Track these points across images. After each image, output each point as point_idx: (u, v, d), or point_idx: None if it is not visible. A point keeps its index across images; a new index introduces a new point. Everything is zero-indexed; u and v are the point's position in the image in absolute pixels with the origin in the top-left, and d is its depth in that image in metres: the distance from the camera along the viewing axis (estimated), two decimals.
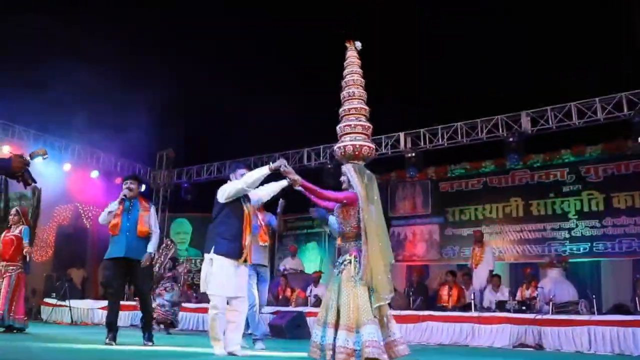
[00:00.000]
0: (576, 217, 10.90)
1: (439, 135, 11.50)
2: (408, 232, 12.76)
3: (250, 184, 4.54)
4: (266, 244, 5.97)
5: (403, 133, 11.87)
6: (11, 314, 6.92)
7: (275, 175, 4.60)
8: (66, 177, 12.71)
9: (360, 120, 4.91)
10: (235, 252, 4.54)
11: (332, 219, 4.49)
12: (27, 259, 7.21)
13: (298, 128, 12.57)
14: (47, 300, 11.34)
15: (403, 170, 12.14)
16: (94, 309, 10.84)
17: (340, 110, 5.08)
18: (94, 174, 13.31)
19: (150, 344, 5.54)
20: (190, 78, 13.29)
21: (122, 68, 12.33)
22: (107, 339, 5.44)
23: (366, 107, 5.03)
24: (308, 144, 12.73)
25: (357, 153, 4.71)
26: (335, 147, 4.92)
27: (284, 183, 4.64)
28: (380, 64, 12.89)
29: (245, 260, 4.60)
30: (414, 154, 11.52)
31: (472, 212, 12.11)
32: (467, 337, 7.95)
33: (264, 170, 4.51)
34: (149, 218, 5.73)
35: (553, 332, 7.40)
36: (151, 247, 5.67)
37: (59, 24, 10.94)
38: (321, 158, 12.63)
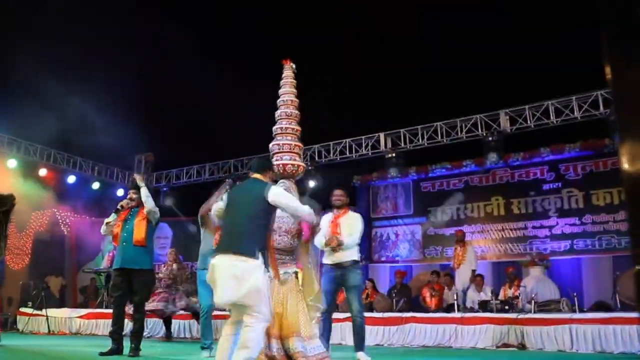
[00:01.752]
0: (556, 214, 10.97)
1: (419, 135, 11.52)
2: (390, 233, 12.74)
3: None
4: None
5: (383, 133, 11.87)
6: None
7: None
8: (42, 182, 12.42)
9: (287, 139, 5.25)
10: None
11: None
12: None
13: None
14: (23, 309, 11.05)
15: (384, 171, 12.13)
16: (72, 317, 10.56)
17: (273, 128, 5.38)
18: (71, 178, 13.05)
19: (134, 355, 5.40)
20: (168, 80, 13.13)
21: (97, 70, 12.15)
22: (105, 350, 5.36)
23: (295, 127, 5.35)
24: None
25: (282, 171, 5.06)
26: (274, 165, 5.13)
27: None
28: (360, 65, 12.92)
29: None
30: (394, 155, 11.52)
31: (453, 211, 12.12)
32: (451, 338, 7.90)
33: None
34: (145, 224, 5.63)
35: (535, 331, 7.38)
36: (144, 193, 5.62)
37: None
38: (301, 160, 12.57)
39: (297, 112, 5.37)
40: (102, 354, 5.30)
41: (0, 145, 11.82)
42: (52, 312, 10.59)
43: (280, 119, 5.31)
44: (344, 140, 12.29)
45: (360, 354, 5.32)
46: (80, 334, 10.19)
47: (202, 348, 5.92)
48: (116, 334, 5.48)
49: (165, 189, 14.32)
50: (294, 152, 5.16)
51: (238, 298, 3.37)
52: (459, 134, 11.16)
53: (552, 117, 10.34)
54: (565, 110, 10.23)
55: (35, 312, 10.62)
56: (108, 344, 5.50)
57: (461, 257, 9.90)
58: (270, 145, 5.23)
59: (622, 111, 1.41)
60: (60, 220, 13.62)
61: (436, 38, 12.55)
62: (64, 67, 11.62)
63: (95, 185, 13.69)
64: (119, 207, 5.62)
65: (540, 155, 11.20)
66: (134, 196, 5.71)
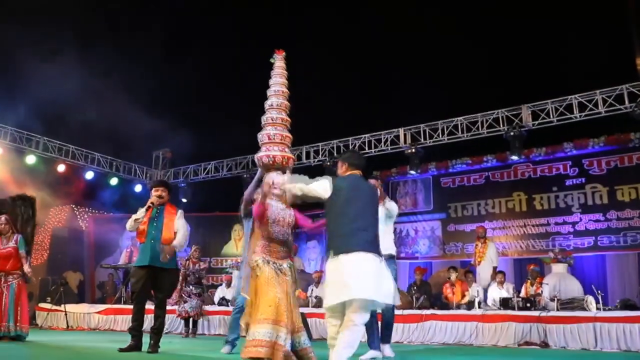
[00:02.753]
0: (580, 210, 10.77)
1: (439, 130, 11.39)
2: (410, 229, 12.60)
3: None
4: None
5: (403, 129, 11.78)
6: (17, 324, 6.73)
7: None
8: (60, 178, 12.51)
9: (277, 130, 5.09)
10: None
11: None
12: (27, 270, 6.98)
13: (296, 126, 12.40)
14: (41, 305, 11.13)
15: (404, 166, 12.02)
16: (91, 313, 10.63)
17: (262, 117, 5.23)
18: (89, 174, 13.12)
19: (151, 351, 5.34)
20: (187, 77, 13.13)
21: (116, 66, 12.18)
22: (124, 347, 5.32)
23: (285, 117, 5.19)
24: (307, 141, 12.58)
25: (271, 162, 4.89)
26: (255, 156, 5.01)
27: None
28: (379, 59, 12.80)
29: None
30: (414, 150, 11.40)
31: (474, 207, 11.95)
32: (471, 336, 7.79)
33: None
34: (175, 224, 5.61)
35: (558, 329, 7.25)
36: (175, 241, 5.56)
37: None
38: (320, 155, 12.52)
39: (287, 102, 5.20)
40: (121, 350, 5.27)
41: (19, 141, 11.92)
42: (71, 307, 10.68)
43: (271, 108, 5.18)
44: (363, 136, 12.20)
45: (386, 348, 5.21)
46: (98, 330, 10.26)
47: (226, 342, 5.83)
48: (136, 330, 5.42)
49: (182, 184, 14.32)
50: (284, 143, 5.02)
51: (378, 297, 3.65)
52: (480, 129, 11.02)
53: (575, 112, 10.19)
54: (589, 104, 10.08)
55: (54, 307, 10.71)
56: (127, 340, 5.46)
57: (482, 254, 9.76)
58: (259, 135, 5.06)
59: None
60: (79, 216, 13.72)
61: (457, 32, 12.38)
62: (80, 63, 11.66)
63: (114, 181, 13.75)
64: (149, 204, 5.54)
65: (563, 150, 11.01)
66: (163, 194, 5.69)
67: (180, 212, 5.77)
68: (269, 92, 5.18)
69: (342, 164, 4.16)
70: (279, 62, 5.46)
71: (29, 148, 12.02)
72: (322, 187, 3.89)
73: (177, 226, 5.61)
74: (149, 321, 5.67)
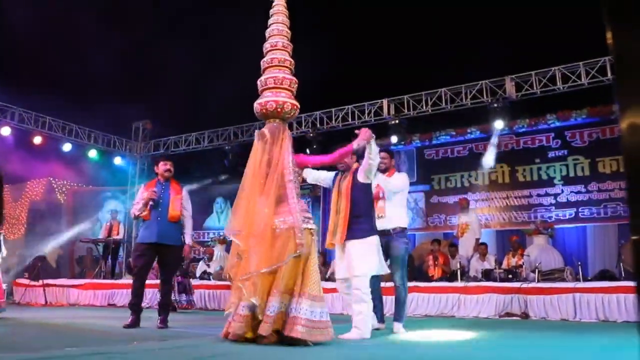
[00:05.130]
0: (562, 182, 10.81)
1: (423, 101, 11.28)
2: None
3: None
4: None
5: (386, 100, 11.63)
6: None
7: None
8: (36, 151, 12.19)
9: (284, 73, 4.38)
10: None
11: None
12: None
13: None
14: (19, 280, 10.96)
15: (387, 138, 11.91)
16: (70, 288, 10.49)
17: (262, 61, 4.51)
18: (67, 146, 12.80)
19: (162, 326, 5.34)
20: (165, 46, 12.79)
21: (93, 34, 11.82)
22: (127, 322, 5.27)
23: (291, 60, 4.49)
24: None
25: (279, 110, 4.26)
26: (255, 103, 4.37)
27: None
28: (362, 29, 12.56)
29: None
30: (397, 121, 11.30)
31: (458, 179, 11.93)
32: (453, 307, 7.85)
33: None
34: (181, 202, 5.61)
35: (539, 300, 7.34)
36: (188, 237, 5.66)
37: None
38: (302, 127, 12.39)
39: (291, 44, 4.55)
40: (126, 326, 5.23)
41: None
42: (49, 282, 10.51)
43: (274, 49, 4.45)
44: (346, 107, 12.04)
45: (397, 325, 5.16)
46: (78, 305, 10.14)
47: None
48: (136, 306, 5.40)
49: (159, 155, 14.08)
50: (291, 89, 4.38)
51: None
52: (464, 100, 10.92)
53: (558, 84, 10.13)
54: (572, 76, 10.03)
55: (32, 282, 10.55)
56: (108, 316, 5.39)
57: (465, 226, 9.79)
58: (263, 79, 4.39)
59: (622, 78, 1.26)
60: (57, 189, 13.44)
61: (440, 1, 12.16)
62: (59, 30, 11.30)
63: (92, 154, 13.45)
64: (149, 200, 5.49)
65: (546, 122, 11.02)
66: (172, 169, 5.75)
67: (185, 192, 5.79)
68: (270, 32, 4.53)
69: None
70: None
71: (4, 119, 11.65)
72: None
73: (184, 212, 5.64)
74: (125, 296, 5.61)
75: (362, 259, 4.45)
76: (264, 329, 3.64)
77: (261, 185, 3.97)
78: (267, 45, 4.49)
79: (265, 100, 4.26)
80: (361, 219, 4.59)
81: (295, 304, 3.73)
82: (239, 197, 4.02)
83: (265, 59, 4.47)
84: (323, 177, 5.08)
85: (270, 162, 4.04)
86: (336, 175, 4.97)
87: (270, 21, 4.60)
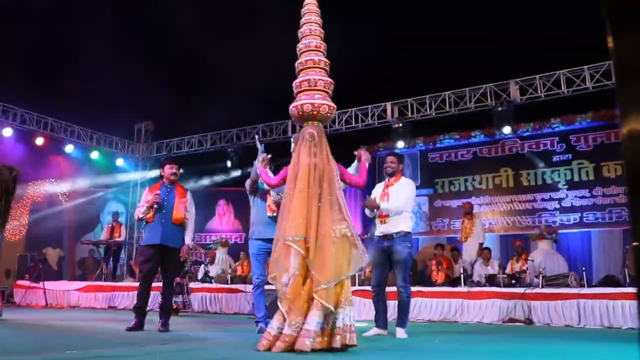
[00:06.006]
0: (566, 187, 10.75)
1: (427, 104, 11.24)
2: None
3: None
4: (275, 213, 5.51)
5: (390, 103, 11.60)
6: None
7: None
8: (39, 152, 12.16)
9: (320, 75, 4.23)
10: None
11: None
12: None
13: (281, 101, 12.16)
14: (20, 282, 10.89)
15: (391, 141, 11.87)
16: (70, 290, 10.44)
17: (297, 63, 4.36)
18: (69, 148, 12.77)
19: (164, 329, 5.31)
20: (169, 46, 12.79)
21: (97, 34, 11.80)
22: (131, 325, 5.25)
23: (326, 60, 4.35)
24: None
25: (315, 113, 4.12)
26: (291, 106, 4.24)
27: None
28: (366, 32, 12.52)
29: None
30: (401, 125, 11.26)
31: (461, 183, 11.87)
32: (457, 312, 7.79)
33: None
34: (184, 205, 5.62)
35: (543, 306, 7.27)
36: (188, 239, 5.63)
37: None
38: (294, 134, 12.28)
39: (321, 43, 4.38)
40: (129, 329, 5.21)
41: None
42: (50, 284, 10.46)
43: (309, 50, 4.32)
44: (350, 110, 11.99)
45: (399, 330, 5.10)
46: (78, 307, 10.08)
47: (257, 322, 5.66)
48: (141, 309, 5.40)
49: (165, 158, 14.03)
50: (326, 90, 4.23)
51: None
52: (468, 103, 10.89)
53: (563, 87, 10.10)
54: (576, 80, 9.99)
55: (33, 284, 10.50)
56: (109, 318, 5.35)
57: (469, 230, 9.73)
58: (297, 81, 4.28)
59: (623, 84, 1.25)
60: (58, 191, 13.39)
61: (445, 4, 12.11)
62: (61, 32, 11.29)
63: (95, 155, 13.42)
64: (154, 203, 5.48)
65: (550, 125, 10.98)
66: (177, 172, 5.75)
67: (190, 196, 5.78)
68: (303, 32, 4.40)
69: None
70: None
71: (6, 120, 11.62)
72: None
73: (187, 215, 5.64)
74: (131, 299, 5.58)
75: None
76: (337, 342, 3.52)
77: (316, 191, 3.84)
78: (300, 46, 4.38)
79: (301, 102, 4.16)
80: None
81: (349, 312, 3.68)
82: (296, 200, 3.81)
83: (299, 60, 4.37)
84: None
85: (317, 166, 3.93)
86: None
87: (302, 21, 4.48)
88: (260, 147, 5.53)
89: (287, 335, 3.45)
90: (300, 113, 4.17)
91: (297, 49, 4.41)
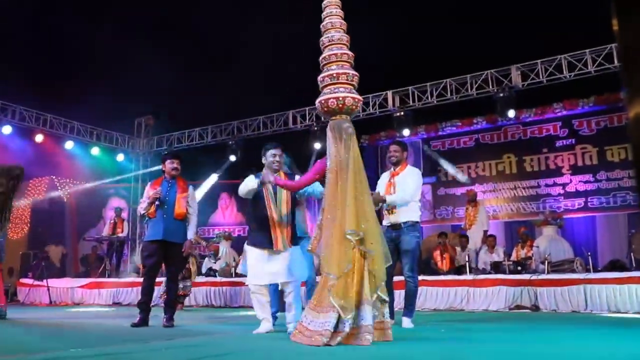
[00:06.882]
0: (570, 172, 10.69)
1: (428, 92, 11.15)
2: None
3: (244, 196, 4.63)
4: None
5: (391, 91, 11.52)
6: None
7: None
8: (39, 149, 12.10)
9: (343, 68, 4.22)
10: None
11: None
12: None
13: (280, 91, 12.10)
14: (23, 280, 10.87)
15: (392, 130, 11.79)
16: (74, 287, 10.42)
17: (321, 58, 4.35)
18: (69, 144, 12.71)
19: (168, 325, 5.31)
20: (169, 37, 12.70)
21: (96, 29, 11.74)
22: (135, 321, 5.25)
23: (349, 53, 4.33)
24: (293, 106, 12.28)
25: (340, 106, 4.12)
26: (316, 101, 4.25)
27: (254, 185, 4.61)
28: (364, 19, 12.40)
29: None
30: (402, 113, 11.18)
31: (464, 170, 11.81)
32: (462, 301, 7.76)
33: (252, 185, 4.54)
34: (186, 200, 5.62)
35: (549, 292, 7.25)
36: (190, 234, 5.64)
37: None
38: (307, 120, 12.22)
39: (344, 36, 4.38)
40: (134, 325, 5.21)
41: None
42: (53, 282, 10.46)
43: (332, 44, 4.33)
44: None
45: (405, 320, 5.10)
46: (82, 304, 10.08)
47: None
48: (145, 305, 5.39)
49: (165, 152, 13.99)
50: (340, 83, 4.22)
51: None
52: (469, 90, 10.79)
53: (565, 72, 9.98)
54: (578, 64, 9.87)
55: (36, 282, 10.49)
56: (114, 315, 5.33)
57: (472, 218, 9.69)
58: (322, 75, 4.29)
59: (630, 68, 1.20)
60: (59, 188, 13.35)
61: None
62: (59, 27, 11.20)
63: (95, 151, 13.37)
64: (154, 199, 5.47)
65: (553, 111, 10.91)
66: (179, 167, 5.72)
67: (192, 190, 5.79)
68: (325, 26, 4.40)
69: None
70: None
71: (5, 118, 11.56)
72: None
73: (190, 210, 5.64)
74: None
75: None
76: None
77: (360, 185, 3.90)
78: (324, 40, 4.37)
79: (325, 97, 4.17)
80: None
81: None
82: (349, 194, 3.81)
83: (322, 55, 4.36)
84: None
85: (355, 160, 3.97)
86: None
87: (323, 14, 4.47)
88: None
89: (344, 331, 3.48)
90: (326, 108, 4.19)
91: (320, 43, 4.41)
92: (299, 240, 5.32)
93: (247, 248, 4.70)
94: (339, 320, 3.48)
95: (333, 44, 4.33)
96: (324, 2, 4.48)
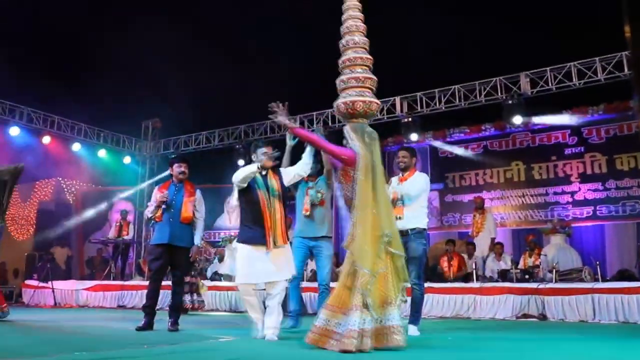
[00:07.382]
0: (579, 180, 10.60)
1: (436, 98, 11.13)
2: None
3: (239, 181, 4.49)
4: (307, 213, 5.66)
5: (399, 97, 11.52)
6: None
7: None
8: (46, 150, 12.13)
9: (368, 73, 4.25)
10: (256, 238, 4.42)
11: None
12: None
13: (288, 95, 12.07)
14: (28, 282, 10.86)
15: (400, 136, 11.76)
16: (79, 290, 10.40)
17: (340, 60, 4.35)
18: (76, 146, 12.74)
19: (173, 329, 5.30)
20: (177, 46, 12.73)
21: (104, 32, 11.77)
22: (140, 325, 5.25)
23: (371, 58, 4.34)
24: (300, 111, 12.27)
25: (366, 110, 4.14)
26: (339, 103, 4.21)
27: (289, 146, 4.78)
28: (374, 25, 12.39)
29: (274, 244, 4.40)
30: (410, 119, 11.15)
31: (472, 177, 11.74)
32: (469, 309, 7.71)
33: (252, 168, 4.45)
34: (194, 204, 5.62)
35: (557, 301, 7.18)
36: (198, 239, 5.62)
37: None
38: (314, 125, 12.20)
39: (365, 39, 4.39)
40: (139, 328, 5.21)
41: (2, 112, 11.49)
42: (58, 284, 10.45)
43: (347, 48, 4.34)
44: None
45: (411, 327, 5.03)
46: (87, 307, 10.07)
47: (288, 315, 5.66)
48: (150, 309, 5.40)
49: (173, 156, 13.99)
50: (365, 87, 4.23)
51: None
52: (478, 97, 10.76)
53: (574, 79, 9.95)
54: (588, 72, 9.84)
55: (41, 284, 10.48)
56: (119, 318, 5.31)
57: (480, 225, 9.63)
58: (344, 77, 4.30)
59: None
60: (66, 189, 13.37)
61: None
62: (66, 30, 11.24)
63: (102, 153, 13.39)
64: (161, 203, 5.49)
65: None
66: (187, 171, 5.71)
67: (199, 194, 5.76)
68: (345, 29, 4.40)
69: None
70: None
71: (12, 119, 11.60)
72: None
73: (196, 214, 5.63)
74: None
75: None
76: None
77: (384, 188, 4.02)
78: (344, 43, 4.38)
79: (352, 99, 4.16)
80: None
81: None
82: (381, 197, 3.90)
83: (343, 57, 4.37)
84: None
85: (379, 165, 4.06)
86: None
87: (343, 17, 4.48)
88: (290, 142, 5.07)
89: (369, 328, 3.48)
90: (351, 110, 4.18)
91: (340, 45, 4.42)
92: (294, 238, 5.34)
93: (238, 246, 4.54)
94: (364, 319, 3.48)
95: (358, 47, 4.35)
96: (345, 5, 4.48)
